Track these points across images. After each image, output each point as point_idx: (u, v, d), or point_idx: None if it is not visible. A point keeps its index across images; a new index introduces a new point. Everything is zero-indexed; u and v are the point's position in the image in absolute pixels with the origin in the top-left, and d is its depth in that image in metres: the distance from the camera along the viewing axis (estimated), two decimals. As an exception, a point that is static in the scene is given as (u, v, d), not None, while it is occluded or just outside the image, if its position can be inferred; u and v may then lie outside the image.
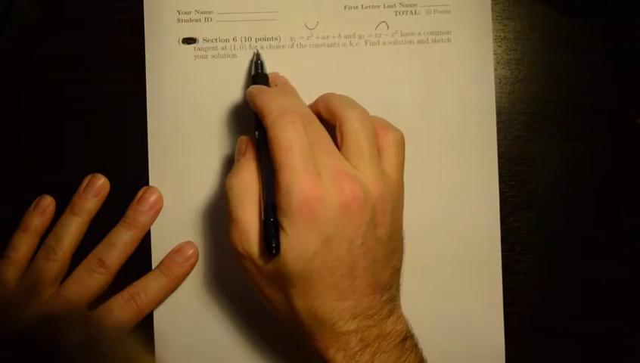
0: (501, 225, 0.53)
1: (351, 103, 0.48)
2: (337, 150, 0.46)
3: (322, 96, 0.49)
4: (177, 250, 0.53)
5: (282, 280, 0.45)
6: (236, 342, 0.53)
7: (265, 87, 0.49)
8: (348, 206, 0.44)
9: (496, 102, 0.53)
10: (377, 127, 0.47)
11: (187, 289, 0.53)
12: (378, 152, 0.47)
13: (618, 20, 0.54)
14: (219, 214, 0.53)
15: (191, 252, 0.53)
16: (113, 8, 0.53)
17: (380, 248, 0.45)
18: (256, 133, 0.47)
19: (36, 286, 0.51)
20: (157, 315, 0.53)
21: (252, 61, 0.53)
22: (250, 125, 0.53)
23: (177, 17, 0.53)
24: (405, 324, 0.47)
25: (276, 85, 0.51)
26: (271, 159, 0.45)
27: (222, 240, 0.53)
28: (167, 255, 0.53)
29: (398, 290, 0.48)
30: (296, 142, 0.44)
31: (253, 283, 0.47)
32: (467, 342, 0.53)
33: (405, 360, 0.46)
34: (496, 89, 0.54)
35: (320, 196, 0.43)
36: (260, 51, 0.53)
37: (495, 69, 0.54)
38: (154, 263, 0.53)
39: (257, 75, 0.51)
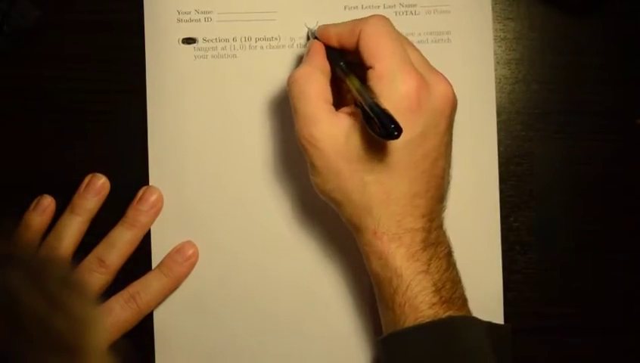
0: (501, 225, 0.53)
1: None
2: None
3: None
4: (177, 250, 0.53)
5: (363, 165, 0.44)
6: (236, 342, 0.53)
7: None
8: (449, 99, 0.45)
9: (496, 102, 0.53)
10: None
11: (188, 289, 0.53)
12: None
13: (618, 20, 0.54)
14: (219, 214, 0.53)
15: (191, 252, 0.53)
16: (113, 8, 0.53)
17: (449, 152, 0.46)
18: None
19: None
20: (157, 315, 0.53)
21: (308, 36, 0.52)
22: (250, 128, 0.53)
23: (177, 17, 0.53)
24: (449, 239, 0.47)
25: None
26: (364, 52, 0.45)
27: (222, 240, 0.53)
28: (167, 255, 0.53)
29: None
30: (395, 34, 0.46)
31: (320, 170, 0.45)
32: (467, 342, 0.53)
33: (450, 273, 0.46)
34: (496, 89, 0.54)
35: (424, 86, 0.44)
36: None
37: (495, 69, 0.54)
38: (154, 263, 0.53)
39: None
